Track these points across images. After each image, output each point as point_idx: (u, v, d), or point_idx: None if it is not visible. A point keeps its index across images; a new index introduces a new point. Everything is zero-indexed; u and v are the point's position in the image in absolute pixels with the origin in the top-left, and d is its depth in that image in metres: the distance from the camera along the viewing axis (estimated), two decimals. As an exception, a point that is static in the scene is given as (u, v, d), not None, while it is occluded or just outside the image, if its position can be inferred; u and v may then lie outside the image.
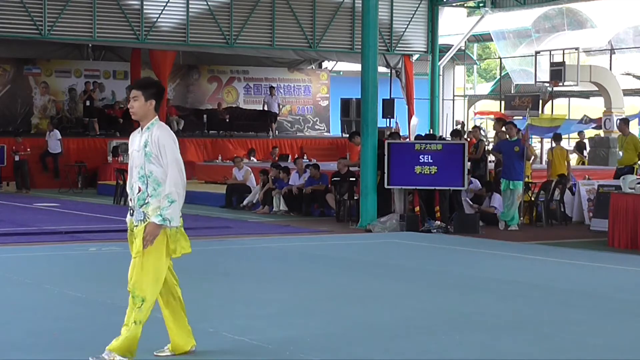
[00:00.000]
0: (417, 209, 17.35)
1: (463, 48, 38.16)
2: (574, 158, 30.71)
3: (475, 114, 39.46)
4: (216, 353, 6.99)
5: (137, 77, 31.17)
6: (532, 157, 19.31)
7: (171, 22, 28.56)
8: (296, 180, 20.59)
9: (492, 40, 39.41)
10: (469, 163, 19.48)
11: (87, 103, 30.97)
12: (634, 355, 7.17)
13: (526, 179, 18.07)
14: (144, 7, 28.00)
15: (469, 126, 34.10)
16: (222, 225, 17.46)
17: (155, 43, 28.73)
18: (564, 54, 30.49)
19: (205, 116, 32.27)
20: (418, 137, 21.58)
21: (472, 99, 42.80)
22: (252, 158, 28.57)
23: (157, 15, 28.19)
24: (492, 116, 34.98)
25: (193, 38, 28.80)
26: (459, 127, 30.46)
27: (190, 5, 28.58)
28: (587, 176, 20.81)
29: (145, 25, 28.05)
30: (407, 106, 32.79)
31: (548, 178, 19.00)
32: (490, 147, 21.25)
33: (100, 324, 7.85)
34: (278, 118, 34.03)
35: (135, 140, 6.52)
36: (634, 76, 35.18)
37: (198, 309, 8.76)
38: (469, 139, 20.75)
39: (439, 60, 33.37)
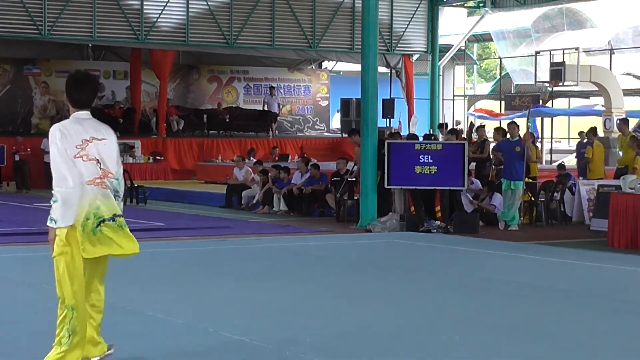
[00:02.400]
0: (412, 208, 17.35)
1: (463, 48, 38.17)
2: (574, 157, 30.70)
3: (476, 110, 39.46)
4: (216, 353, 6.99)
5: (137, 77, 31.27)
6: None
7: (171, 22, 28.58)
8: (298, 179, 20.59)
9: (492, 40, 39.40)
10: (473, 163, 19.49)
11: (87, 103, 30.93)
12: (635, 355, 7.17)
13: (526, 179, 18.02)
14: (144, 7, 28.02)
15: (467, 125, 34.11)
16: (222, 225, 17.45)
17: (155, 43, 28.75)
18: (564, 54, 30.48)
19: (205, 116, 32.28)
20: (412, 136, 21.57)
21: (472, 99, 42.79)
22: (252, 158, 28.59)
23: (157, 15, 28.21)
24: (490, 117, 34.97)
25: (193, 38, 28.83)
26: (458, 127, 30.46)
27: (190, 5, 28.61)
28: (587, 176, 20.80)
29: (145, 25, 28.06)
30: (407, 106, 32.81)
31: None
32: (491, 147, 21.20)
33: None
34: (278, 118, 34.04)
35: None
36: (634, 76, 35.17)
37: (198, 309, 8.77)
38: (474, 138, 20.72)
39: (439, 60, 33.40)
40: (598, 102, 32.28)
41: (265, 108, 33.70)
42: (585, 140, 20.89)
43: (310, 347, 7.20)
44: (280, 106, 34.56)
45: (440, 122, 30.04)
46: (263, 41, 30.05)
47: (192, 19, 28.69)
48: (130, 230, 6.21)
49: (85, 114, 6.05)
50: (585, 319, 8.60)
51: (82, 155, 5.91)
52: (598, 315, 8.79)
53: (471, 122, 35.81)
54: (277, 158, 29.17)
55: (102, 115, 30.54)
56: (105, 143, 5.99)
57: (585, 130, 21.92)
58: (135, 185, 22.72)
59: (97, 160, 5.94)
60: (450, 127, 25.87)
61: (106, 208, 5.97)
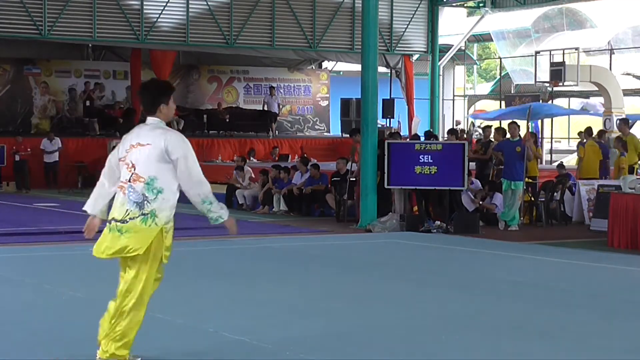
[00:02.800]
0: (415, 208, 17.33)
1: (463, 48, 38.16)
2: (574, 158, 30.74)
3: (475, 111, 39.44)
4: (216, 353, 6.99)
5: (137, 77, 31.26)
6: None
7: (171, 22, 28.57)
8: (298, 179, 20.60)
9: (492, 40, 39.41)
10: (474, 163, 19.48)
11: (87, 103, 30.98)
12: (635, 355, 7.17)
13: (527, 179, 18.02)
14: (144, 7, 28.01)
15: (467, 125, 34.10)
16: (222, 225, 17.40)
17: (155, 43, 28.74)
18: (564, 54, 30.48)
19: (205, 116, 32.26)
20: (415, 137, 21.61)
21: (472, 99, 42.80)
22: (252, 158, 28.57)
23: (157, 15, 28.20)
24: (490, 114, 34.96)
25: (193, 38, 28.82)
26: (458, 127, 30.43)
27: (190, 5, 28.59)
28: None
29: (145, 25, 28.06)
30: (407, 106, 32.80)
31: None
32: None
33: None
34: (278, 118, 34.04)
35: None
36: (634, 76, 35.18)
37: (198, 309, 8.77)
38: (475, 138, 20.67)
39: (439, 60, 33.38)
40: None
41: (265, 108, 33.70)
42: (585, 141, 21.03)
43: (310, 347, 7.20)
44: (280, 106, 34.55)
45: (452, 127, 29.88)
46: (263, 41, 30.04)
47: (192, 19, 28.68)
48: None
49: (149, 119, 6.39)
50: (585, 319, 8.60)
51: (123, 159, 6.29)
52: (598, 316, 8.79)
53: (471, 122, 35.83)
54: (277, 158, 29.16)
55: (102, 115, 30.69)
56: (148, 148, 6.23)
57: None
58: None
59: (133, 165, 6.23)
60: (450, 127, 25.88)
61: (117, 211, 6.35)
